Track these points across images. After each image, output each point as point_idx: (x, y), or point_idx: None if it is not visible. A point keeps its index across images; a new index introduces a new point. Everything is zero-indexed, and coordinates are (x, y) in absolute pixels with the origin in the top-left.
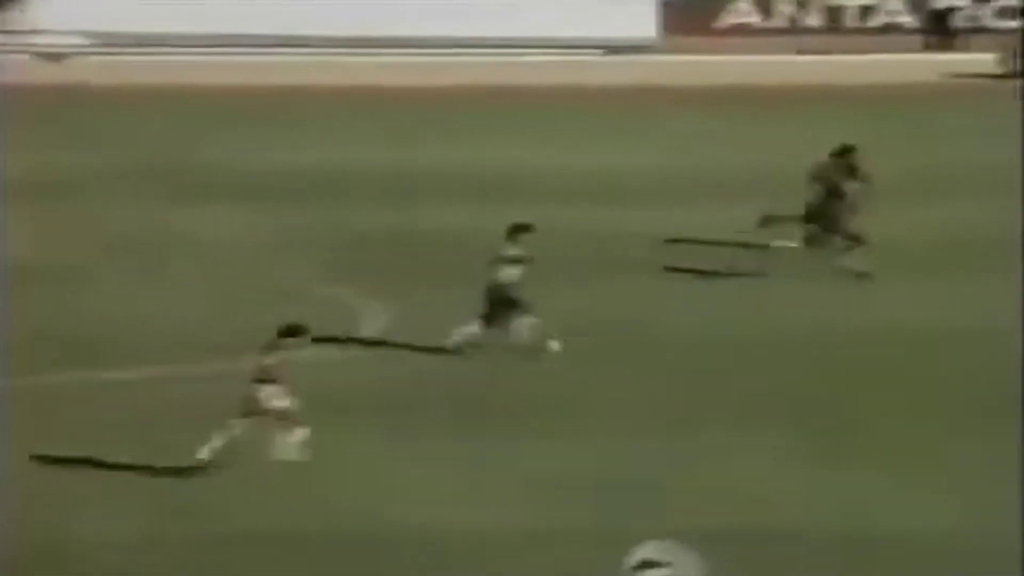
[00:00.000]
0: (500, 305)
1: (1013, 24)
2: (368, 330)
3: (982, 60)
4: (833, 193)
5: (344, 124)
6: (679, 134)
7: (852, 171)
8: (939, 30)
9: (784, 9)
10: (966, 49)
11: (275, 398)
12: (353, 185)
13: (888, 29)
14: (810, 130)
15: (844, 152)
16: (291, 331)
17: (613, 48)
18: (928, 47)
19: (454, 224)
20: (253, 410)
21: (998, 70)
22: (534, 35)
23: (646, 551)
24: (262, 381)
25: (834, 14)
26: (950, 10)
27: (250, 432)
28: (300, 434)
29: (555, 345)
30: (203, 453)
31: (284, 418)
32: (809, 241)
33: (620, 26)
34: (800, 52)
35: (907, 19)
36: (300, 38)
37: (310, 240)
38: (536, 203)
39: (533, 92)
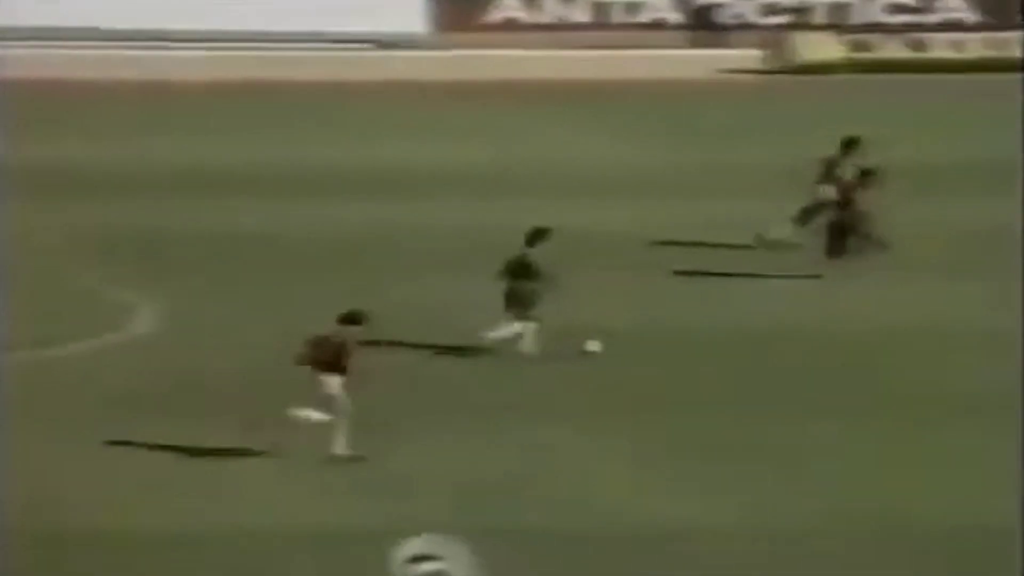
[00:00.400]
0: (519, 305)
1: (777, 20)
2: (141, 328)
3: (748, 56)
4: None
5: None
6: (452, 128)
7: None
8: (704, 26)
9: (551, 5)
10: (731, 45)
11: (332, 387)
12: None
13: (655, 25)
14: (580, 125)
15: (850, 144)
16: (351, 319)
17: (383, 43)
18: (695, 43)
19: (226, 222)
20: (312, 398)
21: (765, 66)
22: (305, 30)
23: (418, 545)
24: (323, 369)
25: (601, 10)
26: (715, 6)
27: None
28: (343, 427)
29: (594, 346)
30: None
31: (336, 410)
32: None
33: (389, 21)
34: (567, 47)
35: (673, 15)
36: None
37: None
38: (309, 199)
39: (302, 87)
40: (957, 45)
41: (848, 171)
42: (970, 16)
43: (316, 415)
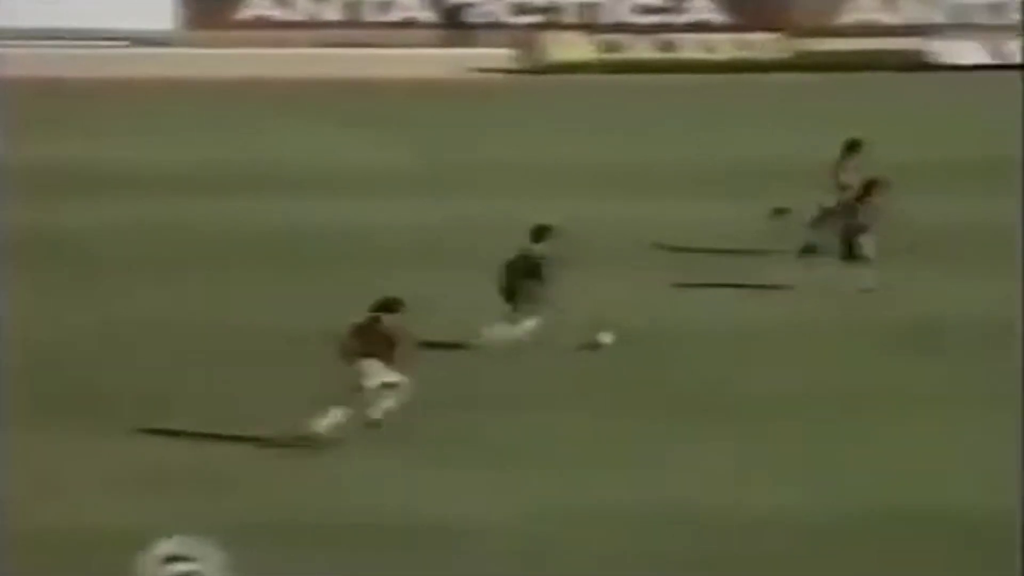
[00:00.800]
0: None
1: (528, 20)
2: None
3: (499, 55)
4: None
5: None
6: (199, 126)
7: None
8: (456, 25)
9: (303, 2)
10: (483, 44)
11: (379, 374)
12: None
13: (406, 24)
14: (331, 123)
15: (853, 147)
16: (387, 306)
17: (137, 40)
18: (447, 42)
19: None
20: (358, 385)
21: (516, 65)
22: (62, 26)
23: (171, 545)
24: (366, 356)
25: (352, 8)
26: (465, 6)
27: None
28: (391, 399)
29: (607, 338)
30: (319, 427)
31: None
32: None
33: (140, 18)
34: (319, 46)
35: (425, 14)
36: None
37: None
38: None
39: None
40: (707, 46)
41: (851, 174)
42: (719, 17)
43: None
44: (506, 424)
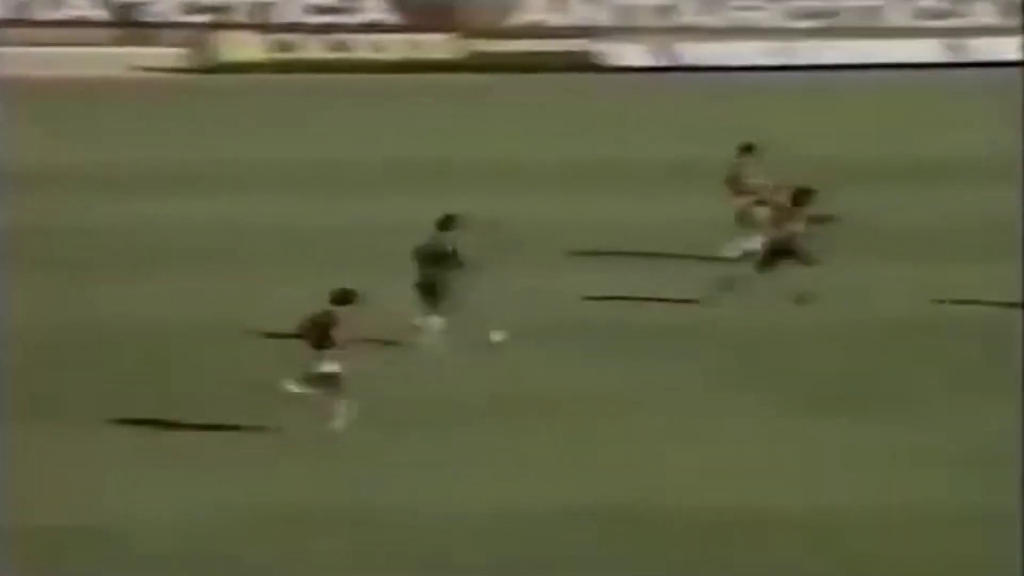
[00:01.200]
0: (431, 298)
1: (199, 19)
2: None
3: (170, 54)
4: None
5: None
6: None
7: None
8: (127, 23)
9: None
10: (154, 43)
11: (327, 363)
12: None
13: (77, 22)
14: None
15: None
16: (343, 298)
17: None
18: (118, 41)
19: None
20: (311, 376)
21: (186, 64)
22: None
23: None
24: (321, 347)
25: (22, 6)
26: (136, 4)
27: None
28: (344, 406)
29: (498, 336)
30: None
31: (334, 385)
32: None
33: None
34: None
35: (95, 12)
36: None
37: None
38: None
39: None
40: (378, 46)
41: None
42: (391, 18)
43: (310, 391)
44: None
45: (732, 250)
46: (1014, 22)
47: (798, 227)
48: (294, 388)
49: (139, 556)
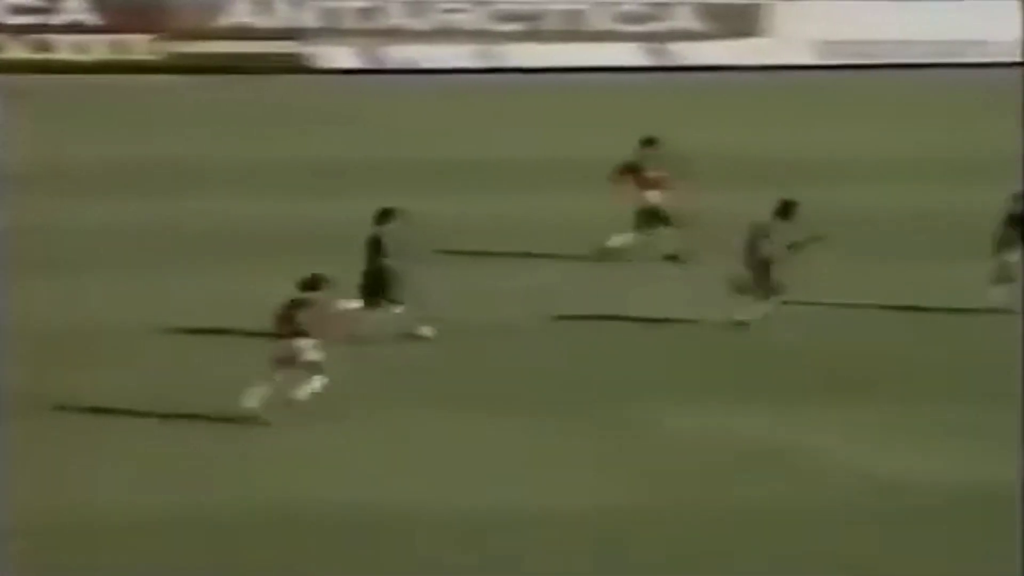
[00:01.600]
0: (376, 291)
1: None
2: None
3: None
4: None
5: None
6: None
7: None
8: None
9: None
10: None
11: (308, 352)
12: None
13: None
14: None
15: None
16: (313, 283)
17: None
18: None
19: None
20: (288, 363)
21: None
22: None
23: None
24: (294, 335)
25: None
26: None
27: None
28: (318, 381)
29: (427, 331)
30: (249, 400)
31: (313, 370)
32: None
33: None
34: None
35: None
36: None
37: None
38: None
39: None
40: (81, 47)
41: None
42: (93, 19)
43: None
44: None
45: (617, 241)
46: (713, 27)
47: (777, 250)
48: (253, 403)
49: (137, 551)
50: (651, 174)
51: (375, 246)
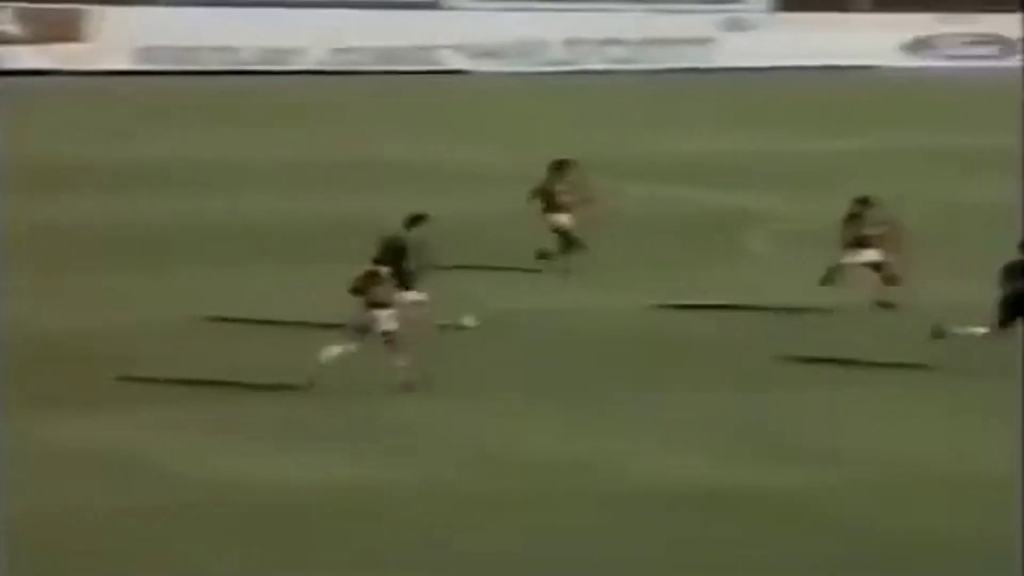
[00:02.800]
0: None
1: None
2: None
3: None
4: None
5: None
6: None
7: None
8: None
9: None
10: None
11: (385, 322)
12: None
13: None
14: None
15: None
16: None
17: None
18: None
19: None
20: (364, 332)
21: None
22: None
23: None
24: (374, 306)
25: None
26: None
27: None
28: (403, 359)
29: (470, 321)
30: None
31: (392, 341)
32: None
33: None
34: None
35: None
36: None
37: None
38: None
39: None
40: None
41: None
42: None
43: (336, 350)
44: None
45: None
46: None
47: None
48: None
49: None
50: (564, 197)
51: (400, 250)
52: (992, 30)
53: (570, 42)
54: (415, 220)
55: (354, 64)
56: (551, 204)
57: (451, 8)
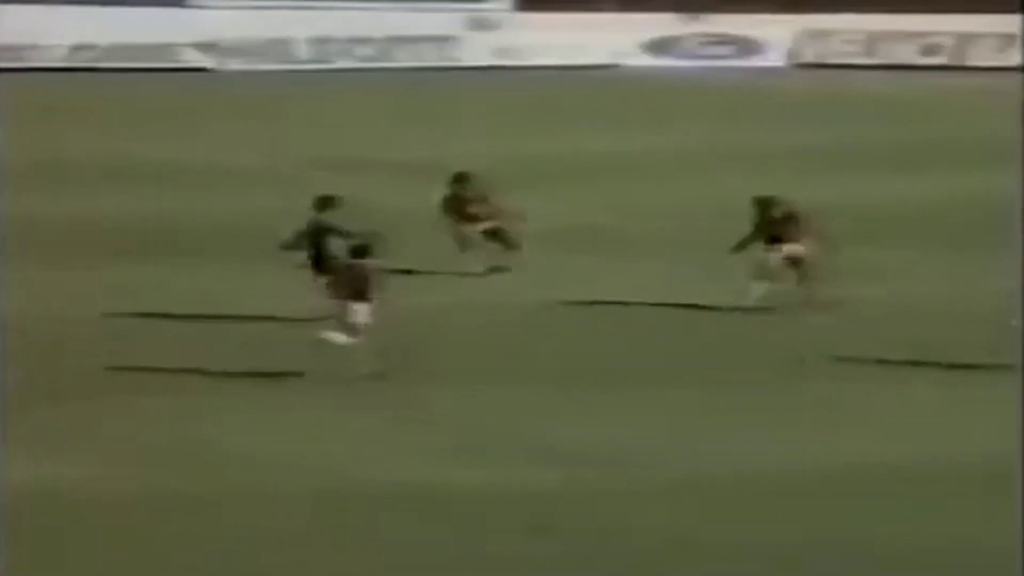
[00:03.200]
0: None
1: None
2: None
3: None
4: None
5: None
6: None
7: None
8: None
9: None
10: None
11: (359, 314)
12: None
13: None
14: None
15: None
16: (363, 250)
17: None
18: None
19: None
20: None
21: None
22: None
23: None
24: (351, 298)
25: None
26: None
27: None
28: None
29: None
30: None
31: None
32: None
33: None
34: None
35: None
36: None
37: None
38: None
39: None
40: None
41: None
42: None
43: (342, 338)
44: None
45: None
46: None
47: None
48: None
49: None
50: (474, 208)
51: (320, 232)
52: (731, 31)
53: (316, 40)
54: (325, 202)
55: (96, 61)
56: (463, 215)
57: (196, 6)
